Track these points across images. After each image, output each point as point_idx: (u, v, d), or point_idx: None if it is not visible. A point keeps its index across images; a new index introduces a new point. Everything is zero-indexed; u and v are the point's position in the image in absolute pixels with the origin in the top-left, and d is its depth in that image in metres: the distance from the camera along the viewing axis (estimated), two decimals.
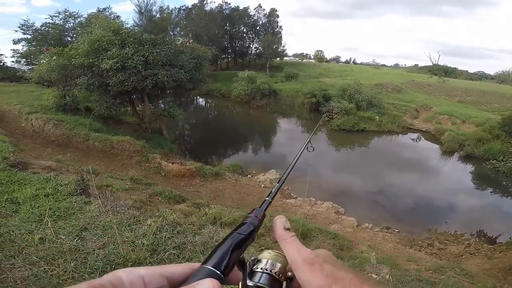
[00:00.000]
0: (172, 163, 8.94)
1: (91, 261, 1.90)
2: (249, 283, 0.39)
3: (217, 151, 13.66)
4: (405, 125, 17.97)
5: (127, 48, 9.56)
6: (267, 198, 0.50)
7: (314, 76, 29.99)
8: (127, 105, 12.21)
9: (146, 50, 9.98)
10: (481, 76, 50.39)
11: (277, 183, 0.57)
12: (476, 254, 6.58)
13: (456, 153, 14.43)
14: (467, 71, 50.94)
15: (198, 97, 25.91)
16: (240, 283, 0.38)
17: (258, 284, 0.39)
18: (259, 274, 0.40)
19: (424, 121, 18.50)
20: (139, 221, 2.61)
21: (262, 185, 9.39)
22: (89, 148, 8.66)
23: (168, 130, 13.19)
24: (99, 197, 2.87)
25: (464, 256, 6.45)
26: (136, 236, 2.27)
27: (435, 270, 4.86)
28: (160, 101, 14.31)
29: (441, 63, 45.65)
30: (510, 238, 7.34)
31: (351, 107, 17.62)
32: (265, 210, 0.45)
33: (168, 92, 13.66)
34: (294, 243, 0.43)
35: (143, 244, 2.18)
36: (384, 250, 5.88)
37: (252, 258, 0.43)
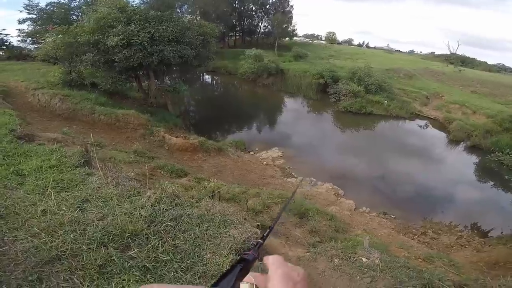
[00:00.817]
0: (176, 137, 9.03)
1: (89, 232, 1.93)
2: None
3: (221, 127, 13.68)
4: (413, 111, 17.66)
5: (133, 25, 9.55)
6: (259, 240, 0.56)
7: (324, 58, 29.01)
8: (133, 80, 12.23)
9: (152, 27, 9.94)
10: (500, 68, 48.32)
11: (268, 229, 0.64)
12: (467, 246, 6.69)
13: (462, 143, 14.23)
14: (486, 62, 48.65)
15: (204, 74, 25.56)
16: None
17: None
18: None
19: (433, 108, 18.19)
20: (139, 193, 2.63)
21: (264, 163, 9.47)
22: (95, 121, 8.75)
23: (173, 105, 13.19)
24: (102, 169, 2.89)
25: (454, 247, 6.57)
26: (135, 208, 2.30)
27: (424, 259, 4.98)
28: (166, 77, 14.31)
29: (459, 52, 43.83)
30: (501, 233, 7.40)
31: (359, 90, 17.31)
32: (258, 249, 0.53)
33: (174, 68, 13.66)
34: None
35: (141, 215, 2.21)
36: (378, 236, 6.00)
37: None
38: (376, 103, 17.28)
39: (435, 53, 50.25)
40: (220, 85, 25.01)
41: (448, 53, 43.45)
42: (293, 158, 10.38)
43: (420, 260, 4.88)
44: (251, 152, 10.48)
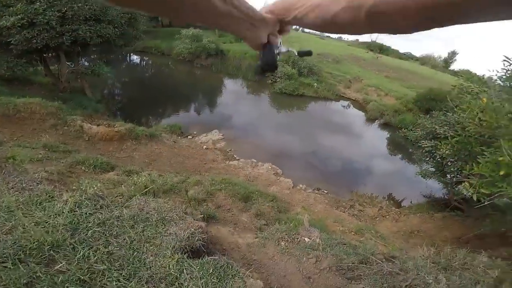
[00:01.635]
0: (98, 125, 7.81)
1: None
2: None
3: (153, 111, 12.52)
4: (338, 93, 19.78)
5: (38, 3, 7.95)
6: None
7: None
8: (37, 64, 10.21)
9: (64, 5, 8.39)
10: (408, 57, 57.47)
11: None
12: (387, 217, 7.58)
13: (377, 120, 16.52)
14: (398, 50, 57.30)
15: (131, 54, 22.70)
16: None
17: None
18: None
19: (354, 91, 20.59)
20: (52, 197, 2.18)
21: (204, 147, 9.11)
22: None
23: (93, 89, 11.45)
24: (0, 173, 2.32)
25: (378, 219, 7.40)
26: (49, 216, 1.93)
27: (356, 231, 5.46)
28: (82, 59, 12.27)
29: (379, 41, 50.65)
30: (411, 202, 8.67)
31: (293, 73, 18.34)
32: None
33: (94, 49, 11.79)
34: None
35: (59, 223, 1.87)
36: (316, 212, 6.43)
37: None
38: (307, 86, 18.57)
39: (359, 41, 55.99)
40: (152, 66, 22.65)
41: (370, 41, 49.27)
42: (234, 140, 10.30)
43: (352, 233, 5.37)
44: (189, 136, 9.92)
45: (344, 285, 2.55)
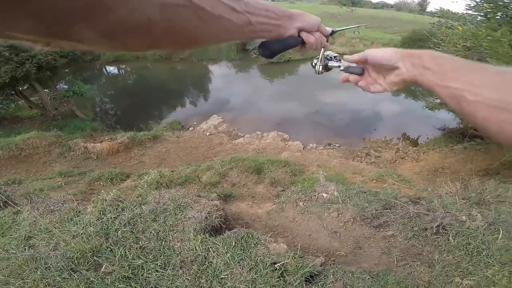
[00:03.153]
0: (101, 142, 7.91)
1: (53, 264, 1.82)
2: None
3: (150, 114, 12.50)
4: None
5: None
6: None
7: None
8: (16, 98, 9.93)
9: None
10: (383, 5, 56.30)
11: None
12: (406, 158, 7.30)
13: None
14: (370, 1, 56.39)
15: (106, 66, 22.25)
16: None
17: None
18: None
19: (340, 45, 20.44)
20: (79, 211, 2.37)
21: (208, 133, 9.15)
22: None
23: (83, 110, 11.39)
24: (28, 203, 2.54)
25: (397, 162, 7.17)
26: (82, 227, 2.12)
27: (377, 179, 5.27)
28: (57, 83, 12.05)
29: None
30: (427, 138, 8.37)
31: None
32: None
33: (67, 70, 11.54)
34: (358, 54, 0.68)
35: (92, 232, 2.06)
36: (331, 167, 6.33)
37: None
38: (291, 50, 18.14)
39: None
40: (132, 72, 22.22)
41: None
42: (234, 119, 10.31)
43: (374, 181, 5.19)
44: (190, 128, 9.95)
45: (373, 234, 2.50)
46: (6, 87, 8.82)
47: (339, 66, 0.73)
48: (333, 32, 0.74)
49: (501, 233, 2.05)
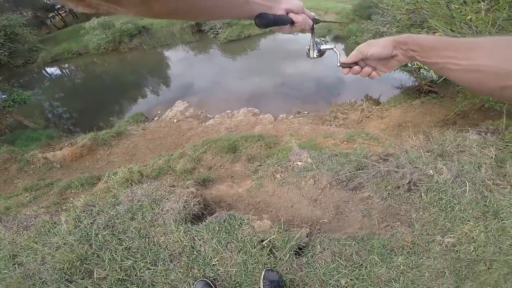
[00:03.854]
0: (61, 149, 7.35)
1: (46, 278, 1.80)
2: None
3: (109, 111, 11.64)
4: None
5: None
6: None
7: None
8: None
9: None
10: None
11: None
12: (371, 117, 7.57)
13: (327, 36, 16.45)
14: None
15: (45, 68, 20.06)
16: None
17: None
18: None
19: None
20: (54, 223, 2.29)
21: (175, 120, 8.84)
22: None
23: (32, 118, 10.42)
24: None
25: (363, 121, 7.42)
26: (62, 238, 2.07)
27: (347, 140, 5.39)
28: None
29: None
30: (388, 97, 8.72)
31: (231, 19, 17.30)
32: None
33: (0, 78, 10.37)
34: (352, 53, 0.73)
35: (73, 240, 2.01)
36: (303, 134, 6.41)
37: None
38: (250, 26, 17.73)
39: None
40: (77, 70, 20.22)
41: None
42: (201, 102, 10.05)
43: (345, 142, 5.32)
44: (156, 118, 9.52)
45: (350, 197, 2.54)
46: None
47: (333, 48, 0.79)
48: (316, 21, 0.77)
49: (467, 186, 2.11)
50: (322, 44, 0.80)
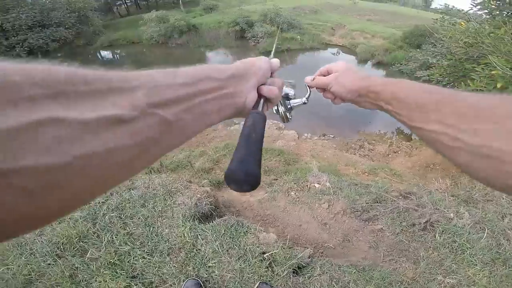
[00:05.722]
0: None
1: (38, 250, 1.82)
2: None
3: None
4: (324, 42, 19.54)
5: None
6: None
7: (235, 5, 28.07)
8: None
9: None
10: None
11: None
12: (399, 152, 7.27)
13: (369, 61, 16.27)
14: None
15: (101, 51, 21.71)
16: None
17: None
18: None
19: (340, 37, 20.23)
20: None
21: None
22: None
23: None
24: None
25: (390, 156, 7.13)
26: None
27: (369, 171, 5.22)
28: None
29: None
30: None
31: (273, 30, 17.99)
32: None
33: (60, 55, 11.37)
34: (320, 80, 0.66)
35: (78, 216, 2.02)
36: (325, 157, 6.26)
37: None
38: (290, 40, 18.26)
39: None
40: (127, 57, 21.69)
41: None
42: None
43: (366, 174, 5.16)
44: None
45: (362, 227, 2.51)
46: None
47: (305, 102, 0.65)
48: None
49: (486, 232, 2.09)
50: (290, 97, 0.65)
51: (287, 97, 0.63)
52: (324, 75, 0.68)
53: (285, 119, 0.63)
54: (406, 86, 0.45)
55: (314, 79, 0.68)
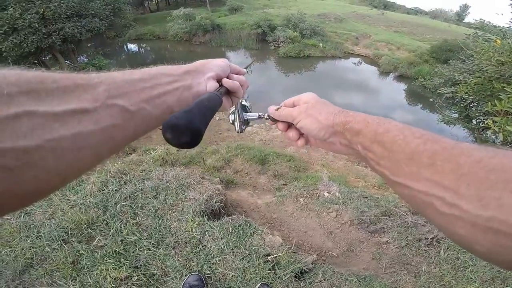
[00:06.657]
0: None
1: (45, 233, 1.82)
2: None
3: None
4: (346, 51, 19.44)
5: (11, 9, 8.09)
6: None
7: (259, 8, 28.50)
8: (39, 68, 10.36)
9: (39, 6, 8.47)
10: (416, 11, 54.47)
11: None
12: None
13: (391, 74, 15.94)
14: (404, 6, 54.97)
15: (128, 43, 22.47)
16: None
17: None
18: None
19: (363, 47, 20.05)
20: (82, 181, 2.35)
21: (217, 118, 9.05)
22: None
23: None
24: None
25: None
26: (82, 197, 2.10)
27: (379, 186, 5.16)
28: (80, 55, 12.52)
29: None
30: None
31: (296, 35, 17.94)
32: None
33: (89, 44, 11.97)
34: (285, 110, 0.54)
35: (91, 203, 2.05)
36: (335, 168, 6.24)
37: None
38: (312, 46, 18.14)
39: None
40: (151, 51, 22.40)
41: None
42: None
43: (375, 188, 5.13)
44: None
45: (367, 238, 2.50)
46: (30, 56, 9.34)
47: (261, 117, 0.60)
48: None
49: None
50: (248, 110, 0.62)
51: (244, 109, 0.61)
52: None
53: (239, 130, 0.60)
54: (394, 128, 0.37)
55: (278, 109, 0.56)
